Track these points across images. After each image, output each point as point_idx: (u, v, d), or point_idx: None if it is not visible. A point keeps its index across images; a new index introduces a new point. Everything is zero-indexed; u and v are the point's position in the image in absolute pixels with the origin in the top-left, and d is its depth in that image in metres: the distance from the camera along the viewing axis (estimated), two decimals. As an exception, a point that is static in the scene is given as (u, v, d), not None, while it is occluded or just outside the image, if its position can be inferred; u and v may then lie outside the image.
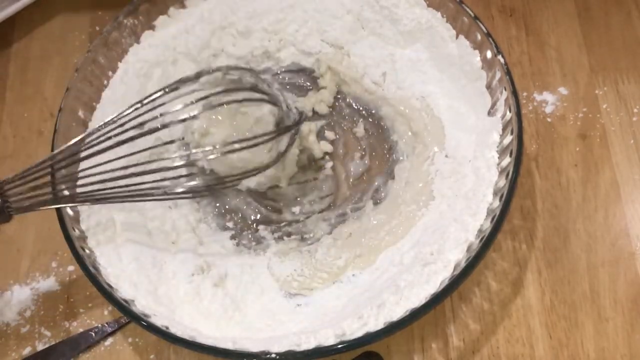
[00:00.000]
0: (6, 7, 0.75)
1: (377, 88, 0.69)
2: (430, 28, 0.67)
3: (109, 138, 0.55)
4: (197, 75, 0.56)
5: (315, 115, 0.71)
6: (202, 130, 0.63)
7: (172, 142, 0.61)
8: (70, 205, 0.58)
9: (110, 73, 0.68)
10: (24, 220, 0.65)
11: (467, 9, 0.63)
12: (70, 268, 0.66)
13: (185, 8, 0.71)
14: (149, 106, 0.55)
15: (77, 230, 0.59)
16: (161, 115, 0.55)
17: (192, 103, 0.55)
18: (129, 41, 0.69)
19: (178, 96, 0.55)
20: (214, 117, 0.62)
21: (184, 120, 0.55)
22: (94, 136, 0.55)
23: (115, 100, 0.66)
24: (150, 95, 0.55)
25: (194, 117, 0.55)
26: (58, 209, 0.57)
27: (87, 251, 0.58)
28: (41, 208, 0.56)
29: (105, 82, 0.67)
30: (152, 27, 0.70)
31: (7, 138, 0.74)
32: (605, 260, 0.63)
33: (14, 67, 0.77)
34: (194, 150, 0.60)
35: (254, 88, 0.59)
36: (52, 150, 0.60)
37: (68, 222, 0.58)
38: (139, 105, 0.55)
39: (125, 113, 0.55)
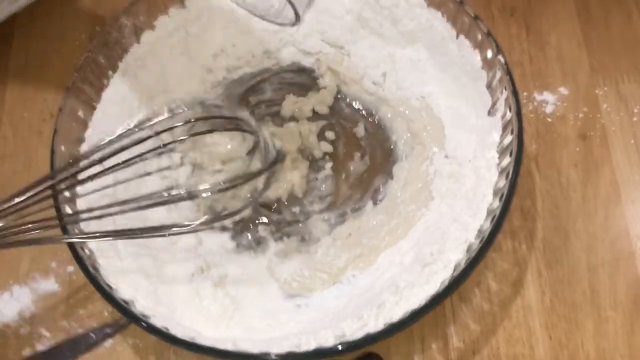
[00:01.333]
0: (6, 7, 0.75)
1: (377, 88, 0.69)
2: (430, 28, 0.66)
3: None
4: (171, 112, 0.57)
5: (315, 115, 0.71)
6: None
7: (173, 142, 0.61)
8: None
9: (110, 73, 0.67)
10: (24, 220, 0.65)
11: (468, 9, 0.63)
12: (70, 268, 0.66)
13: (185, 8, 0.70)
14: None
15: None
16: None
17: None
18: (129, 41, 0.68)
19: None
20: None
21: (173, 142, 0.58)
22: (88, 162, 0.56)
23: (115, 100, 0.66)
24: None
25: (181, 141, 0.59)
26: (58, 210, 0.57)
27: (87, 251, 0.58)
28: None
29: (105, 82, 0.67)
30: (152, 27, 0.69)
31: (7, 138, 0.73)
32: (605, 261, 0.63)
33: (14, 67, 0.77)
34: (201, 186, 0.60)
35: (235, 118, 0.60)
36: (52, 152, 0.60)
37: (68, 223, 0.58)
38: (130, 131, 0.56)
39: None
